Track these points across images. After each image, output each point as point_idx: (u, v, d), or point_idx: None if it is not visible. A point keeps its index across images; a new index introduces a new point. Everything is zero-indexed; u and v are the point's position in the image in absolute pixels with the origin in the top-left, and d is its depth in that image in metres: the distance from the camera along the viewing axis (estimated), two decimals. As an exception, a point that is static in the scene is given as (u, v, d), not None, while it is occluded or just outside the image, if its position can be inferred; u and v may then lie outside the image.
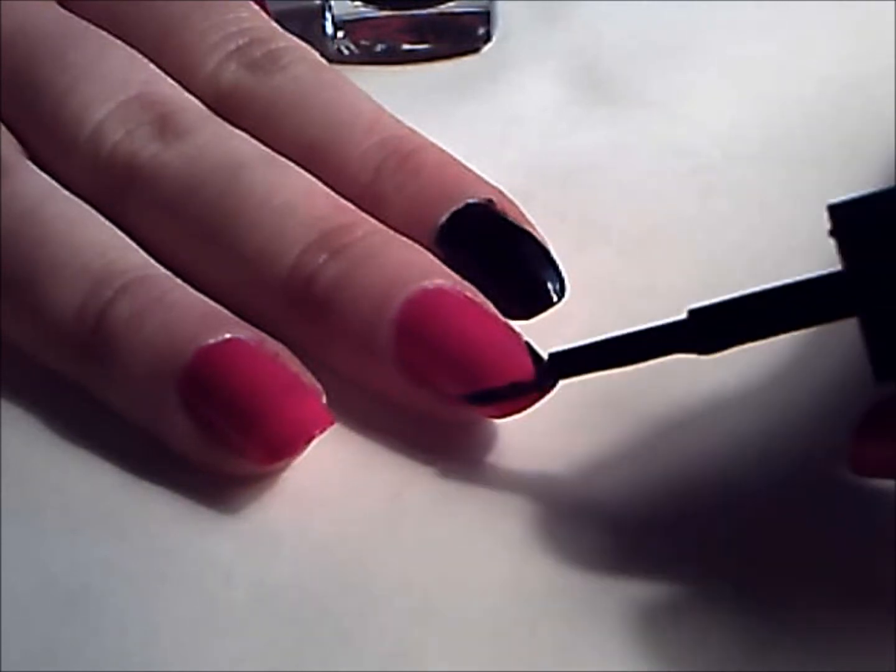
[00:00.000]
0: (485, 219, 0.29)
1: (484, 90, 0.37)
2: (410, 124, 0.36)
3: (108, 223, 0.29)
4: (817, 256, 0.31)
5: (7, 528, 0.25)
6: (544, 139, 0.35)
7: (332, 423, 0.26)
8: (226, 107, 0.31)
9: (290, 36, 0.33)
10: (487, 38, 0.39)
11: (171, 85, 0.31)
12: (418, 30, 0.39)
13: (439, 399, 0.26)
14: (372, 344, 0.27)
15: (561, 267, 0.29)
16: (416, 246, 0.28)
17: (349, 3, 0.38)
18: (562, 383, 0.26)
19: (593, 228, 0.32)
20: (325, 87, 0.31)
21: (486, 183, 0.30)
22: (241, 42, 0.32)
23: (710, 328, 0.24)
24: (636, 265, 0.31)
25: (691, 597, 0.24)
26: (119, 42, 0.31)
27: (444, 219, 0.29)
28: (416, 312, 0.26)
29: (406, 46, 0.39)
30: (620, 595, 0.24)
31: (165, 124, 0.29)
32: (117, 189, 0.29)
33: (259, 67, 0.31)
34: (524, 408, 0.26)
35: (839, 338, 0.28)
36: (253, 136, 0.30)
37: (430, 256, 0.28)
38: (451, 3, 0.38)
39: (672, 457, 0.26)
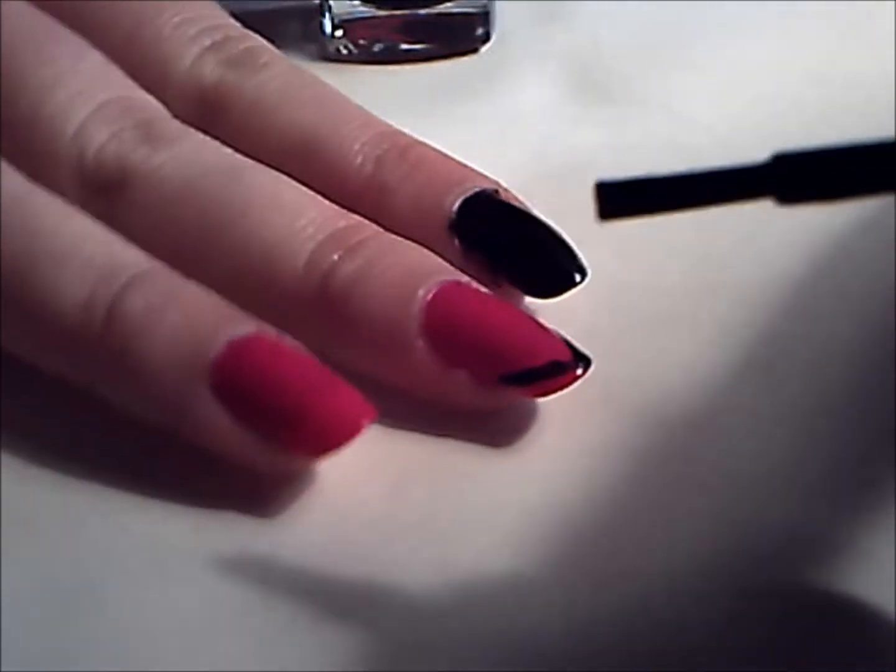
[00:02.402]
0: (496, 205, 0.29)
1: (483, 90, 0.37)
2: (409, 124, 0.35)
3: (96, 221, 0.27)
4: (816, 254, 0.31)
5: (7, 528, 0.25)
6: (543, 139, 0.35)
7: (376, 414, 0.25)
8: (211, 101, 0.30)
9: (259, 38, 0.32)
10: (486, 38, 0.39)
11: (148, 97, 0.30)
12: (417, 30, 0.39)
13: (471, 385, 0.26)
14: (399, 335, 0.26)
15: (577, 251, 0.29)
16: (424, 249, 0.28)
17: (348, 2, 0.38)
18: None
19: (592, 228, 0.32)
20: (312, 84, 0.31)
21: (487, 177, 0.30)
22: (217, 37, 0.31)
23: (795, 175, 0.21)
24: (635, 265, 0.31)
25: (692, 598, 0.24)
26: (93, 48, 0.30)
27: (456, 205, 0.29)
28: (443, 300, 0.26)
29: (404, 46, 0.39)
30: (620, 595, 0.24)
31: (150, 131, 0.29)
32: (106, 192, 0.28)
33: (240, 64, 0.31)
34: (564, 386, 0.26)
35: (842, 335, 0.29)
36: (243, 132, 0.30)
37: (439, 258, 0.28)
38: (449, 3, 0.38)
39: (673, 455, 0.26)
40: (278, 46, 0.38)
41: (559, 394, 0.27)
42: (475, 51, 0.39)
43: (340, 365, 0.27)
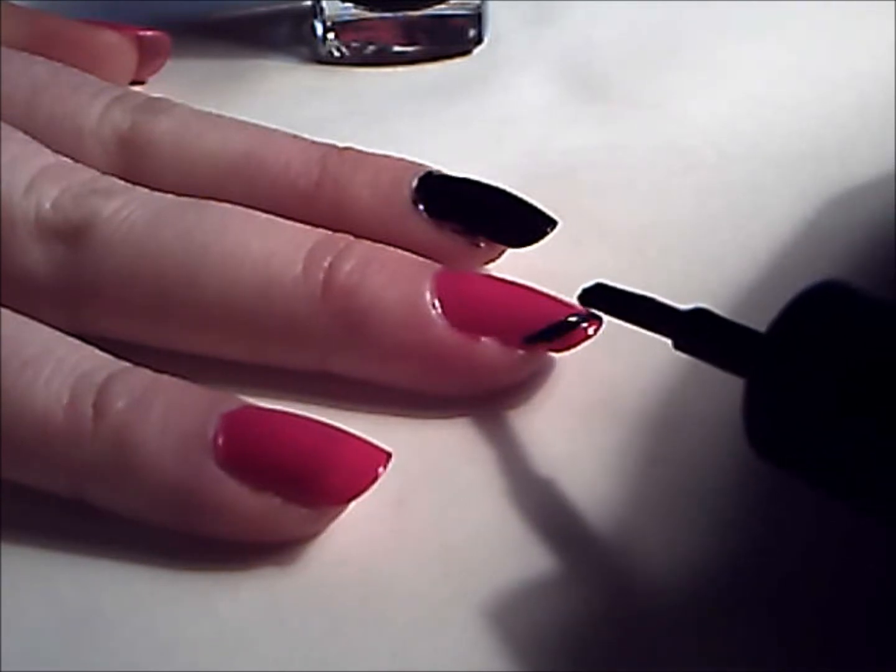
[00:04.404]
0: (449, 178, 0.30)
1: (476, 92, 0.37)
2: (403, 126, 0.36)
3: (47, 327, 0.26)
4: (811, 255, 0.31)
5: (13, 550, 0.25)
6: (537, 140, 0.35)
7: (389, 454, 0.25)
8: (133, 142, 0.30)
9: None
10: (479, 40, 0.39)
11: (76, 164, 0.29)
12: (409, 32, 0.39)
13: (496, 353, 0.27)
14: (418, 313, 0.27)
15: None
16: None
17: (340, 4, 0.38)
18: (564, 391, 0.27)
19: (588, 229, 0.32)
20: (222, 116, 0.31)
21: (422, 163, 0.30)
22: (116, 93, 0.31)
23: (697, 332, 0.23)
24: (632, 264, 0.31)
25: (696, 606, 0.24)
26: (13, 128, 0.29)
27: (415, 182, 0.29)
28: (451, 278, 0.27)
29: (397, 48, 0.39)
30: (626, 602, 0.24)
31: (96, 186, 0.28)
32: (72, 238, 0.27)
33: (148, 109, 0.31)
34: (584, 339, 0.27)
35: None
36: (175, 164, 0.30)
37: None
38: (441, 6, 0.38)
39: (675, 457, 0.26)
40: (270, 49, 0.39)
41: (559, 393, 0.27)
42: (468, 53, 0.39)
43: (349, 378, 0.27)
